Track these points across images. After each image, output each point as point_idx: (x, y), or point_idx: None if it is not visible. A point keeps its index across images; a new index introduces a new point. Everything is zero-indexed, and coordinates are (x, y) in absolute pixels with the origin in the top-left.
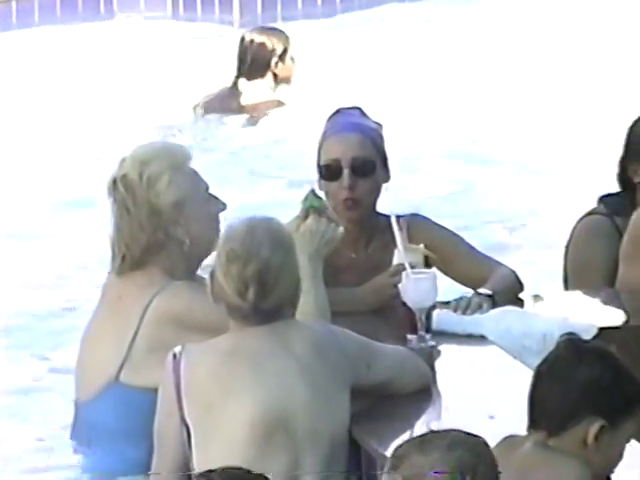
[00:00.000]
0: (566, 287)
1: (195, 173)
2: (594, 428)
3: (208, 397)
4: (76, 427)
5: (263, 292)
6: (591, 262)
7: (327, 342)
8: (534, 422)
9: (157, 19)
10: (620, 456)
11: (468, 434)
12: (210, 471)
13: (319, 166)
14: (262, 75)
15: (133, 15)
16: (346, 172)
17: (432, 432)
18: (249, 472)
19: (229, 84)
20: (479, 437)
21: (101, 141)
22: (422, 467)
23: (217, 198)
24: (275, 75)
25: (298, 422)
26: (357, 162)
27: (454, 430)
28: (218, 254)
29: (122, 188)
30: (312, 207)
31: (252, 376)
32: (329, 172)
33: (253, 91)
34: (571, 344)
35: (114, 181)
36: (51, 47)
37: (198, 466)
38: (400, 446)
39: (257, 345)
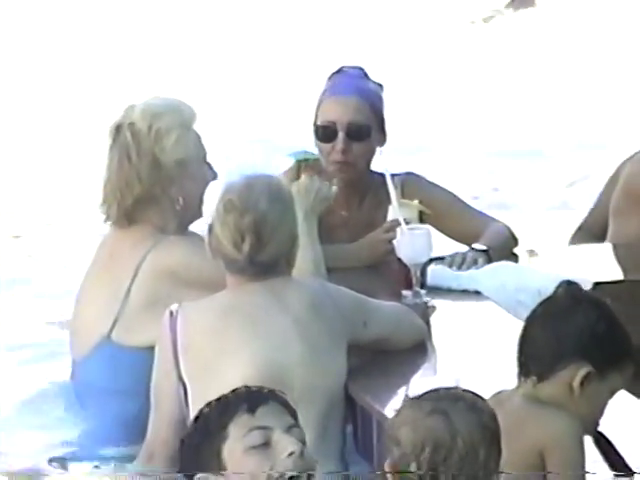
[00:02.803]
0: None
1: (199, 136)
2: (582, 372)
3: (204, 355)
4: (72, 385)
5: (259, 244)
6: None
7: (323, 299)
8: (523, 367)
9: None
10: (602, 410)
11: (472, 407)
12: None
13: (315, 125)
14: None
15: None
16: (341, 135)
17: (443, 390)
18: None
19: None
20: (478, 414)
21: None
22: (399, 420)
23: (211, 167)
24: None
25: (294, 378)
26: (353, 126)
27: (467, 394)
28: (216, 206)
29: (128, 135)
30: (304, 161)
31: (247, 333)
32: (324, 133)
33: None
34: (570, 290)
35: (119, 126)
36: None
37: None
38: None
39: (253, 302)
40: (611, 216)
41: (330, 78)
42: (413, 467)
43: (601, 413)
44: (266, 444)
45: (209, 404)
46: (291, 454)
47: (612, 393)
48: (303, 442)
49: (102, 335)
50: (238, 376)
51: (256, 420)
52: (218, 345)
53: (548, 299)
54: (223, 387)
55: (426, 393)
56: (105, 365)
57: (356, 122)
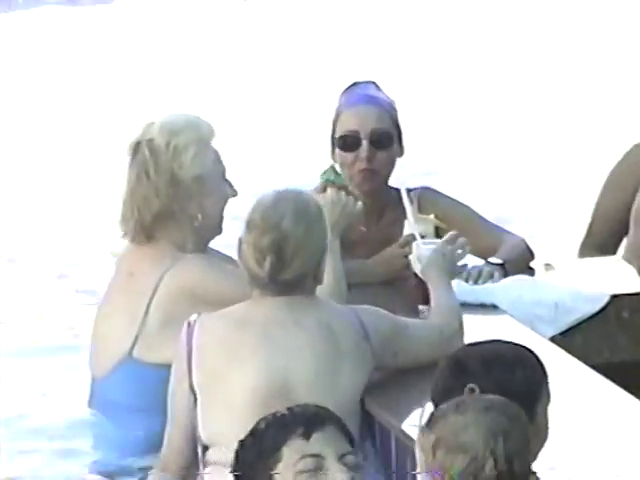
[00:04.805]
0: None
1: (217, 153)
2: None
3: (214, 364)
4: (92, 403)
5: (280, 263)
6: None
7: (349, 325)
8: None
9: None
10: (546, 434)
11: (505, 399)
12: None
13: (334, 138)
14: None
15: None
16: (365, 143)
17: (470, 394)
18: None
19: None
20: (514, 403)
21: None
22: (456, 426)
23: (231, 183)
24: None
25: (300, 395)
26: (376, 134)
27: (492, 395)
28: (245, 221)
29: (147, 152)
30: (330, 181)
31: (258, 344)
32: (347, 143)
33: None
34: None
35: (138, 143)
36: (55, 27)
37: (203, 432)
38: (438, 408)
39: (268, 315)
40: (632, 223)
41: (344, 92)
42: (490, 465)
43: (546, 437)
44: (317, 470)
45: (265, 419)
46: None
47: (545, 414)
48: (356, 468)
49: (124, 352)
50: (244, 387)
51: (310, 447)
52: (228, 355)
53: (435, 386)
54: (229, 398)
55: (451, 402)
56: (127, 382)
57: (379, 129)
